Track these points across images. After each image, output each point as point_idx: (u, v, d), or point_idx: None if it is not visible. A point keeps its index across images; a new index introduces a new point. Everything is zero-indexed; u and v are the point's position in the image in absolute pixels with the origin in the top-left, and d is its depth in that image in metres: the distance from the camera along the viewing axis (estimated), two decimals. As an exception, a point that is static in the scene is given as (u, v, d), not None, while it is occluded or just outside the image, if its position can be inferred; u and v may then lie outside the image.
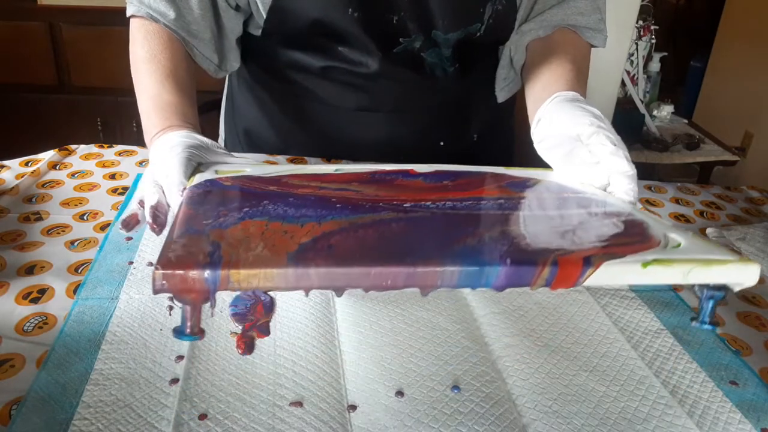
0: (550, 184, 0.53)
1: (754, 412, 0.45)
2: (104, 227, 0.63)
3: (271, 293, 0.53)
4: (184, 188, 0.47)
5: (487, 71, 0.82)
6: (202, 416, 0.41)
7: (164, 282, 0.32)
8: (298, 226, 0.39)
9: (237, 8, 0.71)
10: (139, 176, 0.74)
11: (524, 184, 0.53)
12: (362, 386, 0.45)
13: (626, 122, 1.89)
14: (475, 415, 0.43)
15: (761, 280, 0.43)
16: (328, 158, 0.82)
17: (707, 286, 0.39)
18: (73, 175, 0.74)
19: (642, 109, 2.02)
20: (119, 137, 2.15)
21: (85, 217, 0.65)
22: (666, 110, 2.17)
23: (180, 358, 0.46)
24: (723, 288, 0.38)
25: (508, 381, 0.46)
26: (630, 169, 0.50)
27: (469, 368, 0.47)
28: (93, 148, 0.82)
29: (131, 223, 0.49)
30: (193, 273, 0.32)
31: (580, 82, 0.66)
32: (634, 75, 2.02)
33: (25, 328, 0.48)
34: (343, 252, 0.35)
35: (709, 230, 0.72)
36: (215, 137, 0.83)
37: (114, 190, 0.71)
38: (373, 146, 0.81)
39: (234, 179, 0.49)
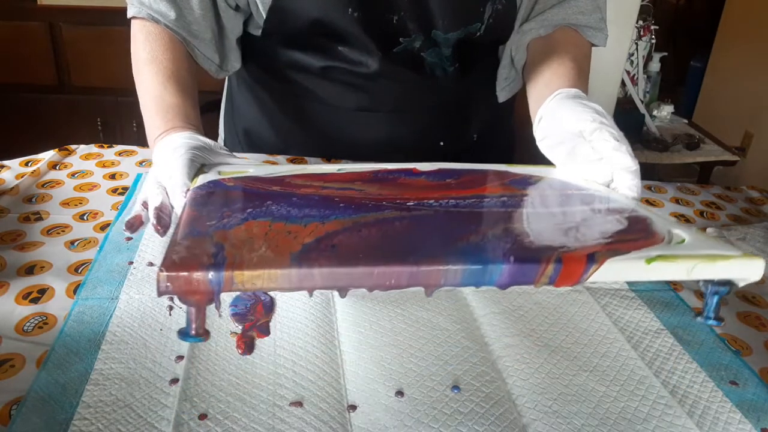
0: (553, 181, 0.53)
1: (754, 412, 0.45)
2: (104, 227, 0.63)
3: (272, 293, 0.53)
4: (188, 190, 0.47)
5: (487, 71, 0.82)
6: (202, 416, 0.41)
7: (169, 284, 0.32)
8: (302, 226, 0.39)
9: (237, 8, 0.71)
10: (139, 176, 0.74)
11: (527, 181, 0.53)
12: (362, 386, 0.45)
13: (626, 122, 1.88)
14: (475, 415, 0.43)
15: (761, 281, 0.43)
16: (328, 158, 0.82)
17: (712, 282, 0.39)
18: (73, 175, 0.74)
19: (642, 109, 2.02)
20: (119, 137, 2.15)
21: (85, 217, 0.65)
22: (666, 110, 2.17)
23: (180, 358, 0.46)
24: (728, 283, 0.38)
25: (508, 381, 0.46)
26: (633, 165, 0.49)
27: (469, 368, 0.47)
28: (93, 148, 0.82)
29: (135, 224, 0.49)
30: (198, 274, 0.32)
31: (581, 80, 0.66)
32: (634, 75, 2.02)
33: (25, 328, 0.48)
34: (347, 252, 0.35)
35: (709, 230, 0.72)
36: (215, 137, 0.82)
37: (114, 190, 0.71)
38: (373, 146, 0.81)
39: (237, 180, 0.49)
